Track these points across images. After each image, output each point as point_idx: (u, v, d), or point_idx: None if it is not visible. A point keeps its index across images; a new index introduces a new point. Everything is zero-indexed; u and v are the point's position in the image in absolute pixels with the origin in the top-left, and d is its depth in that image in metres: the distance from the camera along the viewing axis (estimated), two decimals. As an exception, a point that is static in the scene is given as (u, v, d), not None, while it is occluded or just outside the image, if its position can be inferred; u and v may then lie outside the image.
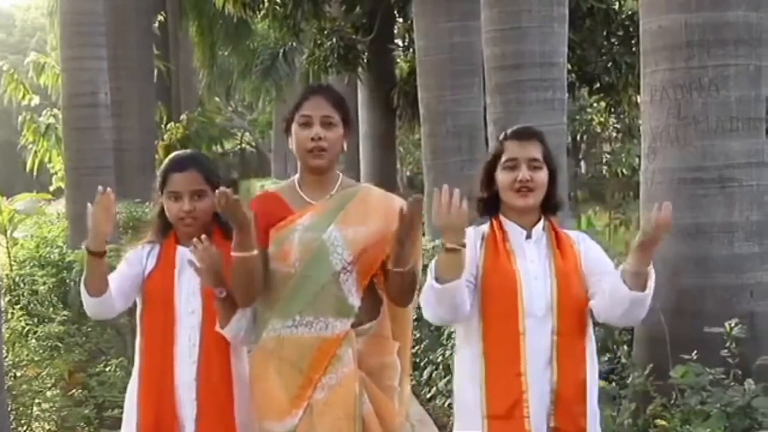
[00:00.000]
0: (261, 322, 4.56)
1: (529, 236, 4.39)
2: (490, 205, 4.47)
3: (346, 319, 4.46)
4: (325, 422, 4.41)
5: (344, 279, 4.46)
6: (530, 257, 4.35)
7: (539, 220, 4.43)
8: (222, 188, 4.19)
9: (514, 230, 4.39)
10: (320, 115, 4.52)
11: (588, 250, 4.44)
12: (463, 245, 4.03)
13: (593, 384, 4.37)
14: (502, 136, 4.49)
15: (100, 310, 4.68)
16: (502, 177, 4.38)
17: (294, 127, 4.57)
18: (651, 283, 4.11)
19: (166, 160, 4.84)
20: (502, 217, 4.42)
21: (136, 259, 4.76)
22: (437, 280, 4.09)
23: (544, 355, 4.26)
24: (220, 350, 4.62)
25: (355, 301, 4.48)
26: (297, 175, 4.70)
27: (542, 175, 4.37)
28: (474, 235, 4.36)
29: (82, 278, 4.62)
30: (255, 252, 4.34)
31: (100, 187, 4.52)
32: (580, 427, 4.29)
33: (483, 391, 4.27)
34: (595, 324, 4.50)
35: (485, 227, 4.42)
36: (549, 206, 4.47)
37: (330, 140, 4.53)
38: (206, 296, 4.59)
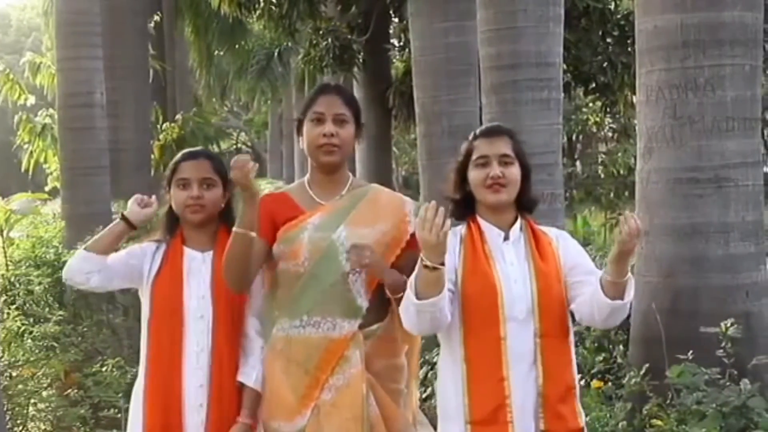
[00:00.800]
0: (269, 321, 4.56)
1: (506, 238, 4.37)
2: (464, 207, 4.46)
3: (354, 320, 4.47)
4: (333, 423, 4.42)
5: (353, 280, 4.47)
6: (509, 259, 4.32)
7: (516, 219, 4.42)
8: (244, 155, 4.27)
9: (491, 232, 4.35)
10: (333, 113, 4.54)
11: (567, 248, 4.41)
12: (443, 264, 3.96)
13: (576, 384, 4.37)
14: (471, 136, 4.47)
15: (87, 269, 4.68)
16: (473, 175, 4.35)
17: (306, 125, 4.58)
18: (630, 291, 4.09)
19: (178, 155, 4.86)
20: (479, 218, 4.39)
21: (139, 252, 4.74)
22: (417, 296, 4.02)
23: (528, 359, 4.23)
24: (231, 356, 4.60)
25: (363, 302, 4.49)
26: (307, 176, 4.72)
27: (514, 171, 4.34)
28: (452, 239, 4.29)
29: (92, 239, 4.70)
30: (254, 234, 4.36)
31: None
32: (569, 427, 4.28)
33: (465, 396, 4.24)
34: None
35: (463, 228, 4.39)
36: (524, 204, 4.46)
37: (342, 137, 4.54)
38: (216, 300, 4.58)
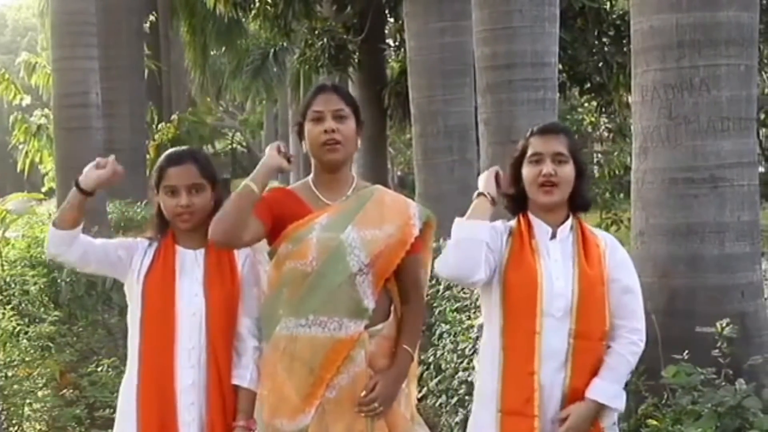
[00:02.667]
0: (273, 319, 4.55)
1: (554, 236, 4.40)
2: (517, 203, 4.50)
3: (360, 320, 4.48)
4: (338, 422, 4.43)
5: (360, 281, 4.47)
6: (554, 257, 4.37)
7: (567, 218, 4.45)
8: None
9: (540, 228, 4.42)
10: (331, 109, 4.56)
11: (614, 257, 4.48)
12: (493, 198, 4.30)
13: None
14: (528, 133, 4.53)
15: (58, 245, 4.62)
16: (526, 172, 4.41)
17: (306, 125, 4.59)
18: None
19: (162, 156, 4.82)
20: (530, 214, 4.44)
21: (132, 244, 4.72)
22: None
23: (559, 357, 4.28)
24: (225, 354, 4.59)
25: (369, 303, 4.49)
26: (311, 176, 4.71)
27: (568, 170, 4.38)
28: (502, 228, 4.44)
29: (55, 214, 4.64)
30: (258, 192, 4.39)
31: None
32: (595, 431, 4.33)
33: (499, 385, 4.32)
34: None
35: (513, 223, 4.46)
36: (577, 203, 4.48)
37: (343, 133, 4.55)
38: (208, 299, 4.57)
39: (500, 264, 4.36)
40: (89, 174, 4.62)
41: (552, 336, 4.27)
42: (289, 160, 4.51)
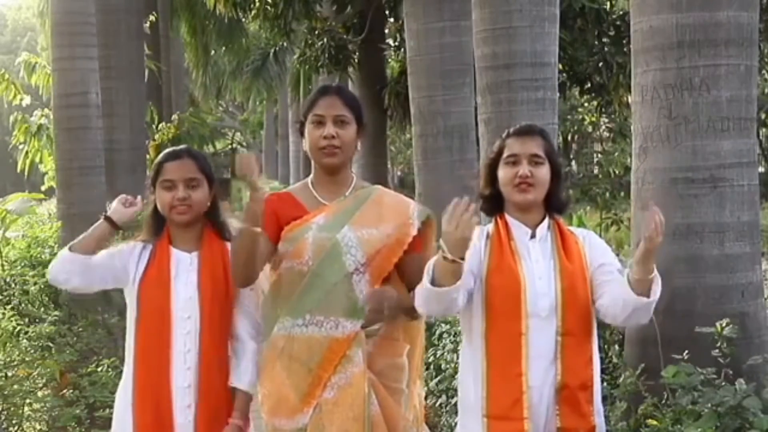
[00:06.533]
0: (271, 319, 4.59)
1: (533, 236, 4.40)
2: (493, 204, 4.49)
3: (357, 319, 4.50)
4: (335, 422, 4.45)
5: (357, 280, 4.49)
6: (535, 257, 4.37)
7: (544, 218, 4.45)
8: (248, 154, 4.31)
9: (518, 229, 4.40)
10: (333, 114, 4.57)
11: (593, 247, 4.47)
12: (462, 258, 4.00)
13: (597, 382, 4.39)
14: (504, 134, 4.52)
15: (68, 270, 4.62)
16: (503, 173, 4.41)
17: (307, 127, 4.61)
18: (657, 288, 4.16)
19: (160, 155, 4.84)
20: (507, 216, 4.43)
21: (126, 251, 4.71)
22: (432, 281, 4.08)
23: (548, 356, 4.27)
24: (219, 356, 4.60)
25: (366, 302, 4.49)
26: (311, 176, 4.74)
27: (543, 171, 4.39)
28: (479, 234, 4.38)
29: (77, 239, 4.64)
30: (259, 229, 4.36)
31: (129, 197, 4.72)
32: (588, 426, 4.31)
33: (483, 390, 4.30)
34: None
35: (490, 226, 4.44)
36: (553, 204, 4.48)
37: (343, 138, 4.57)
38: (203, 301, 4.57)
39: (481, 269, 4.35)
40: (120, 210, 4.69)
41: (539, 336, 4.26)
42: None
